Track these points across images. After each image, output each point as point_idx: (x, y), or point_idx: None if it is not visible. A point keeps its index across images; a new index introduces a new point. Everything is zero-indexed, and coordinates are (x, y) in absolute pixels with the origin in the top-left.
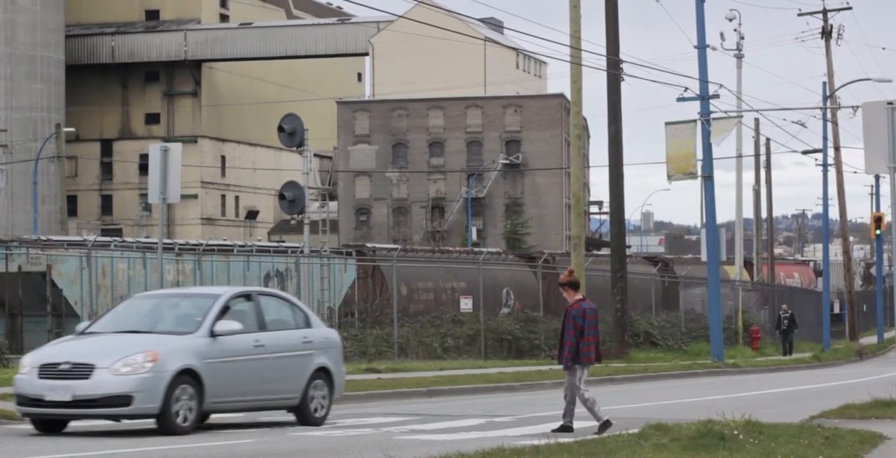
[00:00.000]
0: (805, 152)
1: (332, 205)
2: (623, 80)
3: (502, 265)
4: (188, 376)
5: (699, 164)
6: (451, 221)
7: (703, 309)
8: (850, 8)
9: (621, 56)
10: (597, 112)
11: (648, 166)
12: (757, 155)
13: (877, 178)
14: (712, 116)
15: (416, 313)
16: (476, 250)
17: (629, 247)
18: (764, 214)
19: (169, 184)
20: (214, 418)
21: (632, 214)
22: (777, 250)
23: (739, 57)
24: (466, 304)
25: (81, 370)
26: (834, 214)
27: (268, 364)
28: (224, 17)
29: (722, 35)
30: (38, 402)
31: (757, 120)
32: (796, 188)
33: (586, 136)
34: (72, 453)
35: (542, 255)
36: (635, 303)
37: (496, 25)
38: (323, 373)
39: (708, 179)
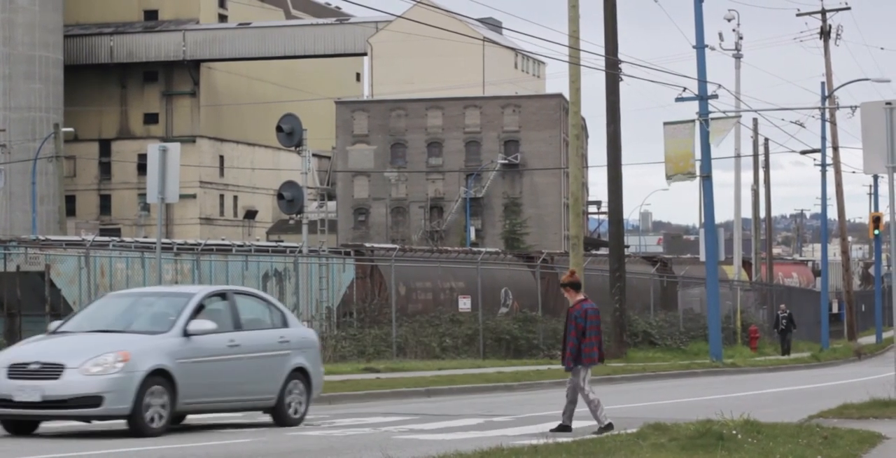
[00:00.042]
0: (804, 152)
1: (331, 205)
2: (622, 80)
3: (501, 265)
4: (160, 376)
5: (698, 164)
6: (449, 221)
7: (702, 309)
8: (848, 8)
9: (620, 56)
10: (595, 112)
11: (647, 166)
12: (755, 155)
13: (875, 178)
14: (711, 116)
15: (415, 313)
16: (474, 249)
17: (628, 247)
18: (762, 214)
19: (167, 184)
20: (191, 419)
21: (630, 213)
22: (775, 250)
23: (738, 57)
24: (465, 304)
25: (51, 370)
26: (832, 214)
27: (243, 364)
28: (222, 18)
29: (720, 35)
30: (7, 403)
31: (755, 120)
32: (795, 188)
33: (585, 136)
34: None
35: (540, 255)
36: (634, 303)
37: (495, 25)
38: (300, 373)
39: (706, 179)
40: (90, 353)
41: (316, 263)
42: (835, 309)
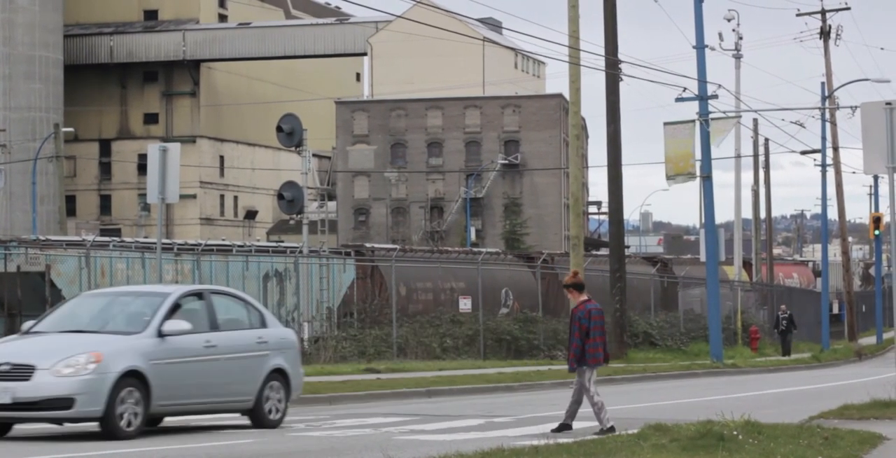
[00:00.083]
0: (804, 153)
1: (331, 205)
2: (622, 80)
3: (501, 265)
4: (133, 377)
5: (698, 164)
6: (449, 222)
7: (702, 309)
8: (848, 8)
9: (620, 56)
10: (595, 112)
11: (647, 166)
12: (756, 155)
13: (875, 178)
14: (711, 116)
15: (415, 314)
16: (475, 250)
17: (628, 247)
18: (763, 215)
19: (167, 184)
20: (169, 421)
21: (630, 214)
22: (776, 251)
23: (738, 57)
24: (465, 304)
25: (21, 372)
26: (833, 214)
27: (219, 365)
28: (222, 17)
29: (720, 35)
30: None
31: (755, 120)
32: (795, 189)
33: (585, 136)
34: None
35: (540, 255)
36: (634, 303)
37: (495, 25)
38: (279, 374)
39: (707, 179)
40: (62, 354)
41: (316, 263)
42: (835, 310)
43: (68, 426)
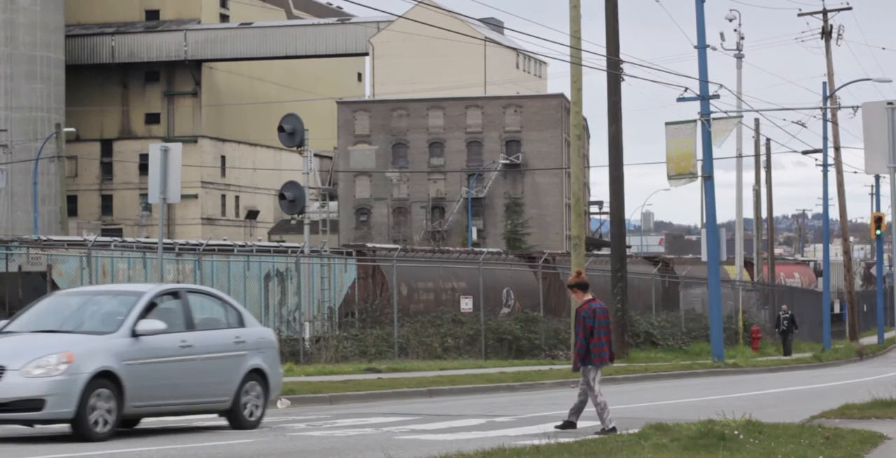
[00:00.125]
0: (805, 152)
1: (333, 205)
2: (623, 80)
3: (502, 265)
4: (106, 378)
5: (699, 164)
6: (451, 222)
7: (704, 309)
8: (850, 8)
9: (621, 56)
10: (597, 112)
11: (649, 166)
12: (757, 155)
13: (877, 178)
14: (712, 116)
15: (417, 313)
16: (476, 250)
17: (629, 247)
18: (764, 215)
19: (169, 184)
20: (146, 422)
21: (632, 214)
22: (777, 250)
23: (739, 57)
24: (467, 304)
25: None
26: (834, 214)
27: (195, 366)
28: (224, 17)
29: (722, 35)
30: None
31: (757, 120)
32: (796, 188)
33: (586, 136)
34: None
35: (542, 255)
36: (635, 303)
37: (496, 25)
38: (257, 375)
39: (708, 179)
40: (33, 354)
41: (318, 263)
42: (836, 309)
43: (39, 428)
